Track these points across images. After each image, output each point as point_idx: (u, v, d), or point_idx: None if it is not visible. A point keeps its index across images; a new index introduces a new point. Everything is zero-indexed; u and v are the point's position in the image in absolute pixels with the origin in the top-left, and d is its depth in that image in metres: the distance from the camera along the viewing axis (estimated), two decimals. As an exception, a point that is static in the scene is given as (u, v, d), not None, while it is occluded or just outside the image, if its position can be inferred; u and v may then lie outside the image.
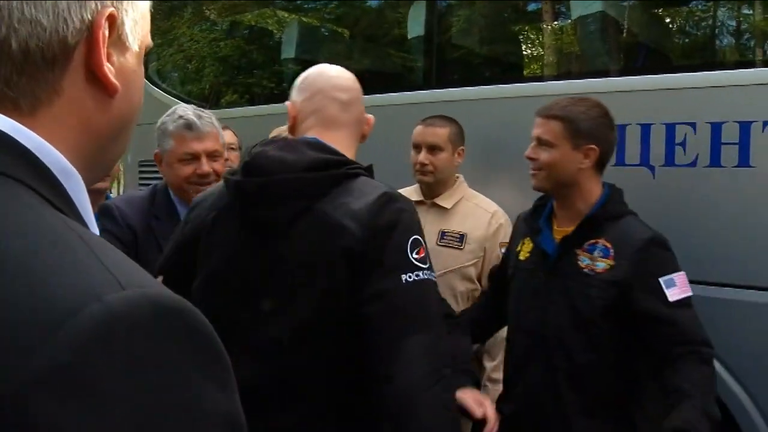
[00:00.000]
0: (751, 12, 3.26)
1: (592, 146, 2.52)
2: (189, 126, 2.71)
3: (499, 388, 2.90)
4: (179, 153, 2.72)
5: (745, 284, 2.91)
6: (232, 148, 4.03)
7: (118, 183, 8.22)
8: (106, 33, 0.77)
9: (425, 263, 1.80)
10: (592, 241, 2.51)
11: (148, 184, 3.29)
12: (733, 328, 2.87)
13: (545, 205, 2.72)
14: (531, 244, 2.69)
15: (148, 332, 0.60)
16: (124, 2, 0.81)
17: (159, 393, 0.59)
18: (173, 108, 2.84)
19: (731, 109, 2.92)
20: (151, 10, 0.89)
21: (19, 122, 0.73)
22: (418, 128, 3.32)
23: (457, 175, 3.39)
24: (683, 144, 3.02)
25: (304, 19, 5.09)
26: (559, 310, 2.52)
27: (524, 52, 4.10)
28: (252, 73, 5.35)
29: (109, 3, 0.78)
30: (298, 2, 5.15)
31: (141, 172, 5.42)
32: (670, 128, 3.05)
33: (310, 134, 1.98)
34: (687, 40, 3.58)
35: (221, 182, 2.05)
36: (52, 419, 0.55)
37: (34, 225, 0.67)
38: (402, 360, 1.69)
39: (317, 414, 1.82)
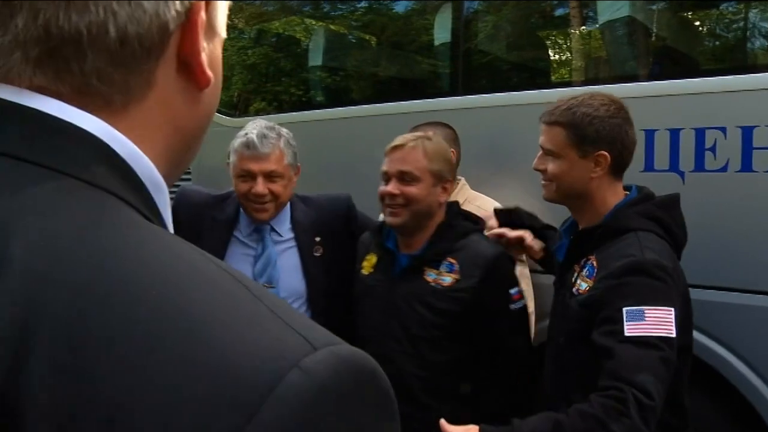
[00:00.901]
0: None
1: (602, 152, 2.31)
2: (248, 145, 2.76)
3: None
4: (238, 169, 2.81)
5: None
6: None
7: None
8: (204, 17, 0.68)
9: None
10: (587, 258, 2.33)
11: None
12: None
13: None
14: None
15: (354, 402, 0.52)
16: None
17: None
18: (251, 122, 2.92)
19: (763, 113, 2.87)
20: None
21: (108, 122, 0.64)
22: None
23: (459, 177, 3.29)
24: (713, 149, 2.98)
25: (331, 26, 5.11)
26: (557, 326, 2.48)
27: (551, 58, 4.07)
28: (280, 81, 5.38)
29: None
30: (325, 10, 5.16)
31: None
32: (700, 133, 3.01)
33: None
34: (717, 43, 3.53)
35: None
36: None
37: (172, 259, 0.56)
38: None
39: None
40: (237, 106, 5.51)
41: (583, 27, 3.88)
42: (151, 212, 0.65)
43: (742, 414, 2.92)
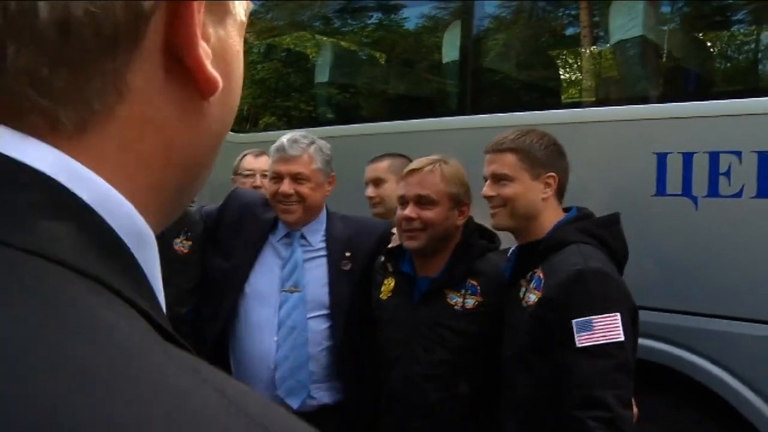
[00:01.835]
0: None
1: (551, 174, 2.46)
2: (278, 148, 2.90)
3: None
4: (270, 172, 2.96)
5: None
6: (265, 175, 3.99)
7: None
8: None
9: None
10: (533, 271, 2.39)
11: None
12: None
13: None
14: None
15: None
16: None
17: None
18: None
19: (779, 137, 2.79)
20: None
21: (61, 151, 0.44)
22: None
23: None
24: (728, 174, 2.89)
25: (342, 43, 5.07)
26: (506, 339, 2.49)
27: (561, 78, 4.01)
28: (289, 96, 5.33)
29: None
30: (336, 25, 5.12)
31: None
32: (714, 157, 2.93)
33: None
34: (731, 65, 3.46)
35: None
36: None
37: (150, 395, 0.36)
38: None
39: None
40: (246, 120, 5.47)
41: (594, 46, 3.81)
42: (133, 283, 0.46)
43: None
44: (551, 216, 2.47)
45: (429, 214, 2.61)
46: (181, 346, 0.44)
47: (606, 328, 2.14)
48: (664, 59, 3.61)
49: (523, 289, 2.39)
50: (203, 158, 0.54)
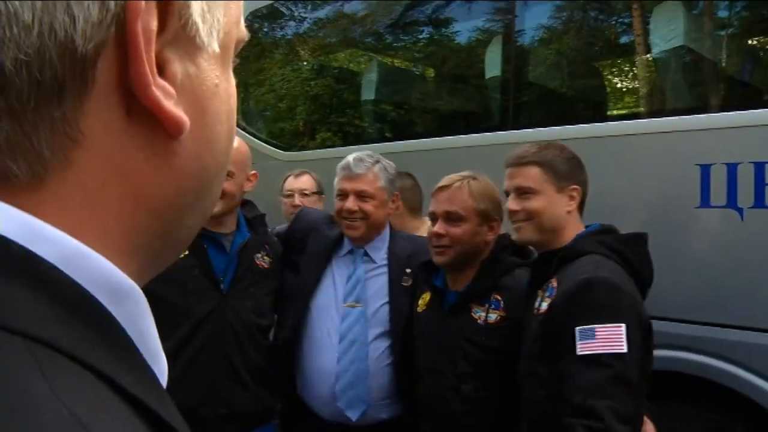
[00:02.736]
0: None
1: (575, 186, 2.43)
2: (344, 167, 2.97)
3: None
4: (336, 190, 3.01)
5: None
6: (306, 194, 4.08)
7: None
8: (153, 25, 0.45)
9: None
10: (549, 281, 2.37)
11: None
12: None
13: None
14: None
15: None
16: None
17: None
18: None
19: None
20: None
21: (19, 206, 0.42)
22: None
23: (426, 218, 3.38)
24: (774, 184, 2.83)
25: (395, 61, 5.11)
26: (522, 352, 2.46)
27: (603, 91, 3.97)
28: (339, 114, 5.39)
29: None
30: (387, 41, 5.16)
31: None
32: (760, 167, 2.88)
33: None
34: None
35: None
36: None
37: None
38: None
39: None
40: (298, 137, 5.55)
41: (637, 58, 3.77)
42: (109, 346, 0.43)
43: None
44: (574, 229, 2.44)
45: (457, 230, 2.65)
46: None
47: (608, 338, 2.10)
48: (707, 69, 3.55)
49: (539, 299, 2.38)
50: (180, 199, 0.50)
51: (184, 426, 0.46)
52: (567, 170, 2.43)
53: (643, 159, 3.18)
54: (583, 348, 2.10)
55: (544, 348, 2.27)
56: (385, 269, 3.02)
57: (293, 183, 4.17)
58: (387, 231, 3.12)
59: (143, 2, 0.44)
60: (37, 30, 0.41)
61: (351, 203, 2.93)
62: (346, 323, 2.94)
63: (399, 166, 3.28)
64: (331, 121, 5.38)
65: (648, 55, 3.66)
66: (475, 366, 2.61)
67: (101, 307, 0.44)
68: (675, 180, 3.06)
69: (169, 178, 0.49)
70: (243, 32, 0.55)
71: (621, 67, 3.87)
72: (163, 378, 0.51)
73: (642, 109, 3.72)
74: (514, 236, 2.54)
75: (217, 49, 0.50)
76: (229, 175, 2.88)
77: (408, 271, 3.00)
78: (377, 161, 3.00)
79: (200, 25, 0.48)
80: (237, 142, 3.03)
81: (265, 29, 5.89)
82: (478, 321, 2.63)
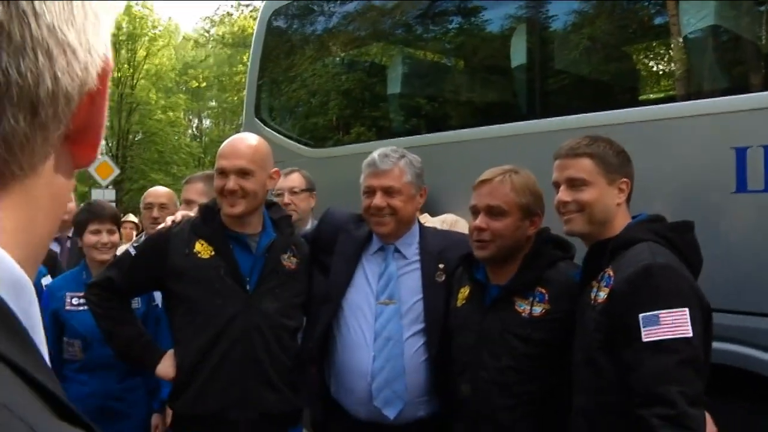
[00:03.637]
0: None
1: (625, 179, 2.45)
2: (370, 163, 2.97)
3: None
4: (363, 187, 3.00)
5: None
6: (295, 192, 4.09)
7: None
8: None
9: None
10: (603, 271, 2.36)
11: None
12: None
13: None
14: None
15: None
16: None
17: None
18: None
19: None
20: None
21: None
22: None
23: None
24: (815, 167, 2.72)
25: (427, 53, 5.06)
26: (576, 343, 2.46)
27: (633, 75, 3.87)
28: (361, 111, 5.35)
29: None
30: (413, 34, 5.10)
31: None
32: (799, 149, 2.76)
33: None
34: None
35: None
36: None
37: None
38: None
39: None
40: (326, 134, 5.53)
41: (667, 39, 3.66)
42: (9, 332, 0.48)
43: None
44: (623, 222, 2.44)
45: (498, 225, 2.64)
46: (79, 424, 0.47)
47: (673, 323, 2.11)
48: (741, 49, 3.42)
49: (594, 290, 2.36)
50: (60, 210, 0.60)
51: (76, 409, 0.49)
52: (617, 163, 2.44)
53: (676, 144, 3.09)
54: (648, 335, 2.11)
55: (606, 337, 2.26)
56: (418, 265, 2.99)
57: (282, 182, 4.19)
58: (417, 226, 3.10)
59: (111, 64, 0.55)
60: (80, 69, 0.51)
61: (379, 200, 2.91)
62: (380, 321, 2.91)
63: (425, 160, 3.24)
64: (359, 116, 5.34)
65: (679, 37, 3.54)
66: (519, 360, 2.60)
67: (3, 302, 0.48)
68: (710, 165, 2.96)
69: (66, 193, 0.58)
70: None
71: (651, 50, 3.76)
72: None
73: (673, 92, 3.61)
74: (564, 228, 2.52)
75: None
76: (249, 173, 2.87)
77: (441, 266, 2.97)
78: (403, 156, 2.98)
79: None
80: (256, 140, 3.03)
81: (294, 25, 5.86)
82: (523, 314, 2.62)
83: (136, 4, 29.53)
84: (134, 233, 8.20)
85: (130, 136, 29.84)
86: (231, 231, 2.95)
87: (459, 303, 2.85)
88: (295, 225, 3.79)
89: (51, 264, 4.22)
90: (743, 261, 2.85)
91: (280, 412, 2.92)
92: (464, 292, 2.84)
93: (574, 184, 2.44)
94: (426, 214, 3.35)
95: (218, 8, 51.35)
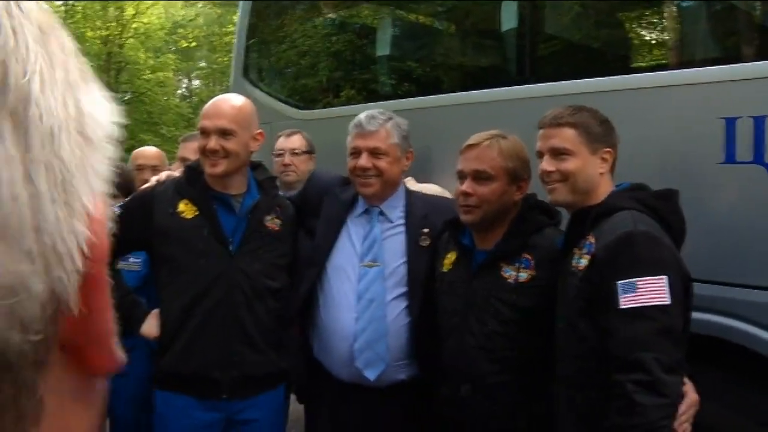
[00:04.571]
0: None
1: (608, 149, 2.47)
2: (356, 124, 2.99)
3: None
4: (349, 148, 3.02)
5: None
6: (296, 153, 4.09)
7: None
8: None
9: None
10: (585, 238, 2.37)
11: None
12: None
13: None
14: None
15: None
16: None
17: None
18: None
19: None
20: None
21: None
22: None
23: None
24: (804, 138, 2.70)
25: (417, 16, 5.00)
26: (558, 310, 2.48)
27: (624, 42, 3.83)
28: (349, 73, 5.29)
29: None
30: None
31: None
32: (789, 121, 2.74)
33: None
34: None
35: None
36: None
37: None
38: None
39: None
40: (315, 96, 5.48)
41: (658, 8, 3.61)
42: None
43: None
44: (606, 191, 2.46)
45: (485, 190, 2.64)
46: None
47: (651, 291, 2.12)
48: (734, 18, 3.38)
49: (576, 257, 2.38)
50: None
51: None
52: (600, 133, 2.46)
53: (664, 113, 3.06)
54: (625, 301, 2.13)
55: (587, 304, 2.27)
56: (402, 228, 3.00)
57: (284, 143, 4.22)
58: (402, 189, 3.10)
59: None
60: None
61: (364, 160, 2.92)
62: (364, 283, 2.92)
63: (414, 123, 3.22)
64: (348, 78, 5.28)
65: (672, 5, 3.51)
66: (504, 325, 2.62)
67: None
68: (698, 135, 2.94)
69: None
70: None
71: (644, 18, 3.72)
72: None
73: (665, 60, 3.58)
74: (548, 198, 2.53)
75: None
76: (231, 134, 2.86)
77: (425, 230, 2.98)
78: (390, 118, 2.99)
79: None
80: (240, 101, 2.99)
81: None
82: (509, 280, 2.64)
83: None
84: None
85: (119, 96, 29.57)
86: (215, 191, 2.94)
87: (445, 268, 2.85)
88: (293, 186, 3.80)
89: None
90: (730, 232, 2.84)
91: (262, 373, 2.93)
92: (450, 257, 2.85)
93: (558, 153, 2.45)
94: (410, 178, 3.33)
95: (209, -33, 50.57)
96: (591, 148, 2.44)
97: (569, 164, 2.43)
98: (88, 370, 0.52)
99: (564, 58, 3.95)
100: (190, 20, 31.54)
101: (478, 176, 2.65)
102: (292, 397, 3.52)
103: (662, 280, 2.13)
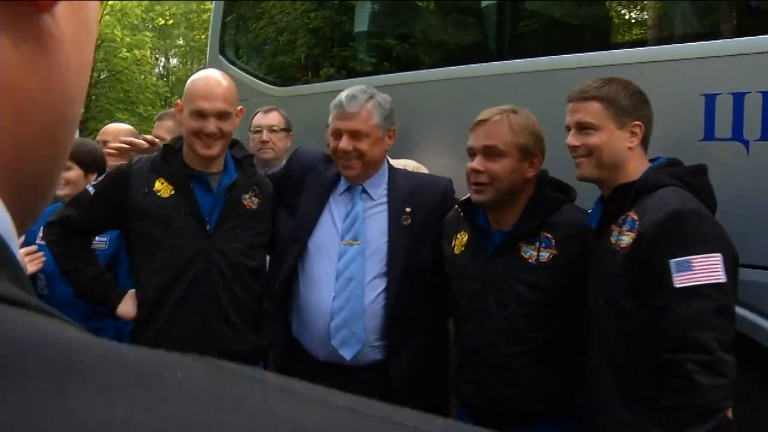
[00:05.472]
0: None
1: (637, 123, 2.40)
2: (337, 105, 2.91)
3: None
4: (331, 129, 2.97)
5: None
6: (274, 130, 4.06)
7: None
8: None
9: None
10: (625, 215, 2.32)
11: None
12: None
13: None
14: None
15: None
16: None
17: None
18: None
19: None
20: None
21: None
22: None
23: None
24: (783, 115, 2.70)
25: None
26: (595, 288, 2.44)
27: (601, 19, 3.81)
28: (328, 50, 5.24)
29: None
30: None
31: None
32: (768, 97, 2.73)
33: None
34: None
35: None
36: None
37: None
38: None
39: None
40: (293, 73, 5.43)
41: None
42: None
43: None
44: (637, 165, 2.41)
45: (496, 166, 2.57)
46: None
47: (706, 269, 2.10)
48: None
49: (615, 234, 2.33)
50: (63, 112, 0.40)
51: None
52: (629, 106, 2.40)
53: (644, 89, 3.04)
54: (680, 280, 2.10)
55: (632, 282, 2.23)
56: (385, 207, 2.97)
57: (261, 119, 4.19)
58: (386, 167, 3.06)
59: None
60: None
61: (345, 143, 2.86)
62: (343, 261, 2.89)
63: (396, 99, 3.18)
64: (327, 55, 5.23)
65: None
66: (526, 306, 2.57)
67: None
68: (678, 111, 2.93)
69: (52, 84, 0.39)
70: None
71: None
72: None
73: (645, 36, 3.56)
74: (576, 173, 2.48)
75: None
76: (227, 115, 2.86)
77: (408, 210, 2.93)
78: (371, 97, 2.91)
79: None
80: (227, 80, 2.95)
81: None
82: (530, 260, 2.58)
83: (101, -64, 28.63)
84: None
85: (95, 75, 29.19)
86: (192, 170, 2.90)
87: (457, 250, 2.79)
88: (270, 163, 3.75)
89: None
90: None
91: (239, 351, 2.91)
92: (462, 238, 2.78)
93: (583, 127, 2.42)
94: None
95: (186, -57, 50.00)
96: (618, 122, 2.39)
97: (594, 139, 2.39)
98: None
99: (544, 34, 3.92)
100: (167, -3, 31.17)
101: (488, 152, 2.57)
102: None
103: (717, 258, 2.12)
